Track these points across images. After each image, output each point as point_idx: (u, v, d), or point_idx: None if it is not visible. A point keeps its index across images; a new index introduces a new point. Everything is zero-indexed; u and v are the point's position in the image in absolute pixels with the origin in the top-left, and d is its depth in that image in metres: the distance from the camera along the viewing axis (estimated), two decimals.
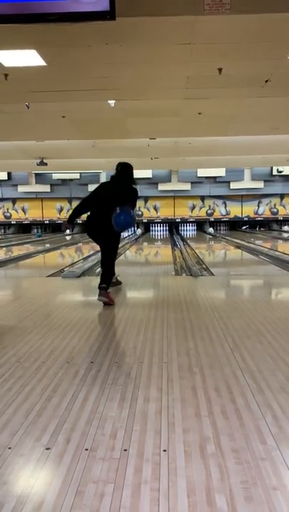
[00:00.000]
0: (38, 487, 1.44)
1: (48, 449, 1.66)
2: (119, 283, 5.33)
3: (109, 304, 4.32)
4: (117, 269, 5.56)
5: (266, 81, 6.29)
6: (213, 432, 1.75)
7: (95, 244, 4.90)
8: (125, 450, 1.64)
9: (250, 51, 5.19)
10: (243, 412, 1.93)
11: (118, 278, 5.37)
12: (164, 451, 1.62)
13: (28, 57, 4.90)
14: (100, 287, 4.41)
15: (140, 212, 18.77)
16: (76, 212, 4.65)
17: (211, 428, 1.79)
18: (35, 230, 19.34)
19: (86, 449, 1.65)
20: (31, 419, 1.91)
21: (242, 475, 1.47)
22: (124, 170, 4.72)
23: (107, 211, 4.39)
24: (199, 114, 8.00)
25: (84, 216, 4.72)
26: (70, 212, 4.78)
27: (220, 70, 5.71)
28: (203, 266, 7.54)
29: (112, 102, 7.00)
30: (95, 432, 1.78)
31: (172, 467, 1.52)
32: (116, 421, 1.87)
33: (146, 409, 1.97)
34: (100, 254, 4.84)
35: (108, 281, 4.54)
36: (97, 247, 4.96)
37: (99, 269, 7.02)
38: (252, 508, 1.30)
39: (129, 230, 4.69)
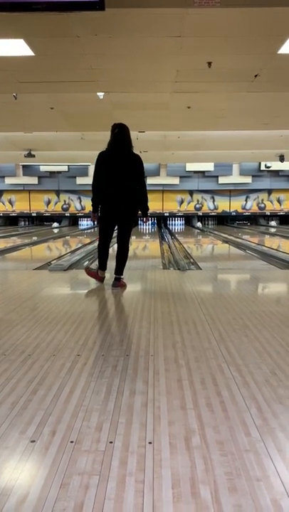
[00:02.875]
0: (22, 479, 1.44)
1: (33, 441, 1.66)
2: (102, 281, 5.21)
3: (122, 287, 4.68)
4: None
5: (255, 76, 6.31)
6: (199, 425, 1.76)
7: (83, 237, 4.92)
8: (111, 442, 1.64)
9: (240, 45, 5.19)
10: (228, 404, 1.94)
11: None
12: (150, 443, 1.63)
13: (15, 47, 4.84)
14: (115, 278, 4.74)
15: None
16: (96, 198, 4.47)
17: (196, 420, 1.80)
18: (54, 223, 18.77)
19: (71, 442, 1.65)
20: (16, 411, 1.90)
21: (226, 466, 1.48)
22: (122, 132, 4.44)
23: (123, 184, 4.25)
24: (188, 108, 8.00)
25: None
26: (90, 201, 4.65)
27: (209, 63, 5.71)
28: (191, 260, 7.57)
29: (101, 94, 6.96)
30: (81, 424, 1.78)
31: (157, 459, 1.53)
32: (102, 413, 1.87)
33: (132, 402, 1.97)
34: (88, 247, 4.86)
35: (123, 269, 4.78)
36: (85, 241, 4.99)
37: (86, 263, 7.01)
38: (236, 499, 1.31)
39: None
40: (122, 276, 4.80)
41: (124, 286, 4.75)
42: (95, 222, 4.85)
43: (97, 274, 4.88)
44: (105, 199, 4.44)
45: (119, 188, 4.32)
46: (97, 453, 1.57)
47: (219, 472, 1.45)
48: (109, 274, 5.04)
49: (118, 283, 4.75)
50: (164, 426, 1.76)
